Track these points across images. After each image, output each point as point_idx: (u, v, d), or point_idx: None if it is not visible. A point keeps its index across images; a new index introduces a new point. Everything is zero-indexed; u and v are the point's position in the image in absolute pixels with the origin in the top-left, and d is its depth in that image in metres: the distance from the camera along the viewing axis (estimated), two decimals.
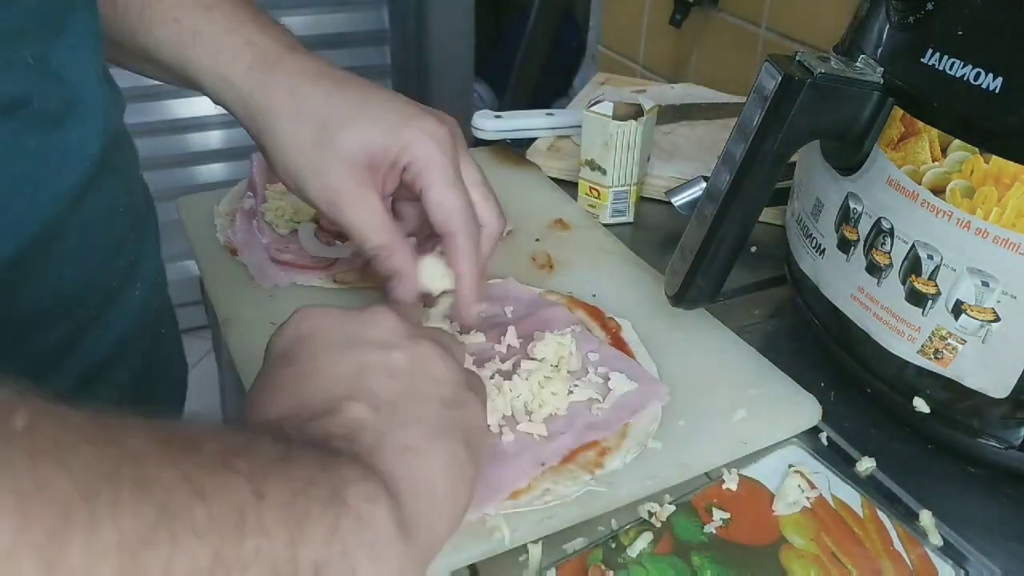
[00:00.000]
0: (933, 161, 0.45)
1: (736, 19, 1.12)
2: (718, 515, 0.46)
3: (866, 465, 0.50)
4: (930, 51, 0.45)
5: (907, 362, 0.49)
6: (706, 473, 0.49)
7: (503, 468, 0.46)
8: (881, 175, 0.48)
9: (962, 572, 0.44)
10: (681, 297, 0.56)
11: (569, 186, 0.78)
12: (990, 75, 0.42)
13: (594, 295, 0.62)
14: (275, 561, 0.25)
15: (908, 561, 0.44)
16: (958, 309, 0.45)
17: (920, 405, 0.49)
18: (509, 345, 0.54)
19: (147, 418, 0.26)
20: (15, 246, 0.41)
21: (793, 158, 0.52)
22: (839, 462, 0.50)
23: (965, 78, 0.43)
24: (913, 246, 0.46)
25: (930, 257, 0.46)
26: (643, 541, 0.44)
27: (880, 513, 0.47)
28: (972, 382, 0.47)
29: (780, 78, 0.47)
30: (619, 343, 0.57)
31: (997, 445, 0.48)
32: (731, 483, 0.48)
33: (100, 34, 0.47)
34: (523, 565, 0.43)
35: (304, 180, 0.49)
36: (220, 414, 0.84)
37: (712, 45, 1.18)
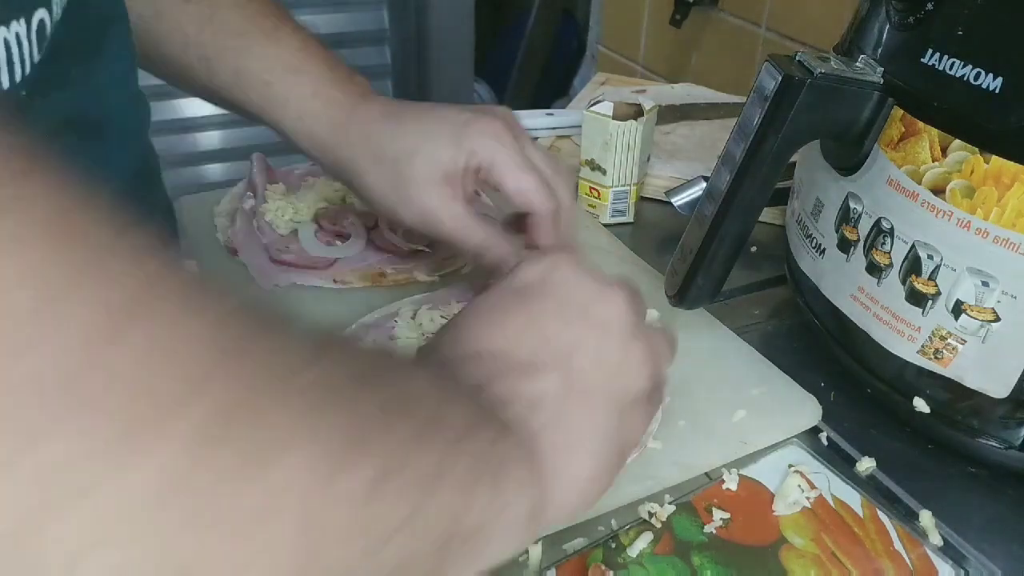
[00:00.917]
0: (933, 161, 0.45)
1: (736, 19, 1.12)
2: (718, 515, 0.46)
3: (866, 465, 0.50)
4: (930, 51, 0.45)
5: (907, 362, 0.49)
6: (706, 473, 0.49)
7: None
8: (881, 175, 0.48)
9: (962, 572, 0.44)
10: (681, 297, 0.56)
11: None
12: (990, 75, 0.42)
13: None
14: (443, 526, 0.26)
15: (908, 561, 0.44)
16: (958, 309, 0.45)
17: (920, 405, 0.49)
18: None
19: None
20: None
21: (793, 158, 0.52)
22: (839, 462, 0.50)
23: (965, 78, 0.43)
24: (913, 246, 0.46)
25: (930, 257, 0.46)
26: (643, 541, 0.44)
27: (880, 513, 0.47)
28: (972, 382, 0.47)
29: (780, 78, 0.47)
30: None
31: (997, 445, 0.48)
32: (731, 483, 0.48)
33: (135, 49, 0.49)
34: (523, 565, 0.43)
35: (397, 212, 0.54)
36: None
37: (712, 45, 1.18)
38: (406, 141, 0.53)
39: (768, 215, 0.71)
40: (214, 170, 1.78)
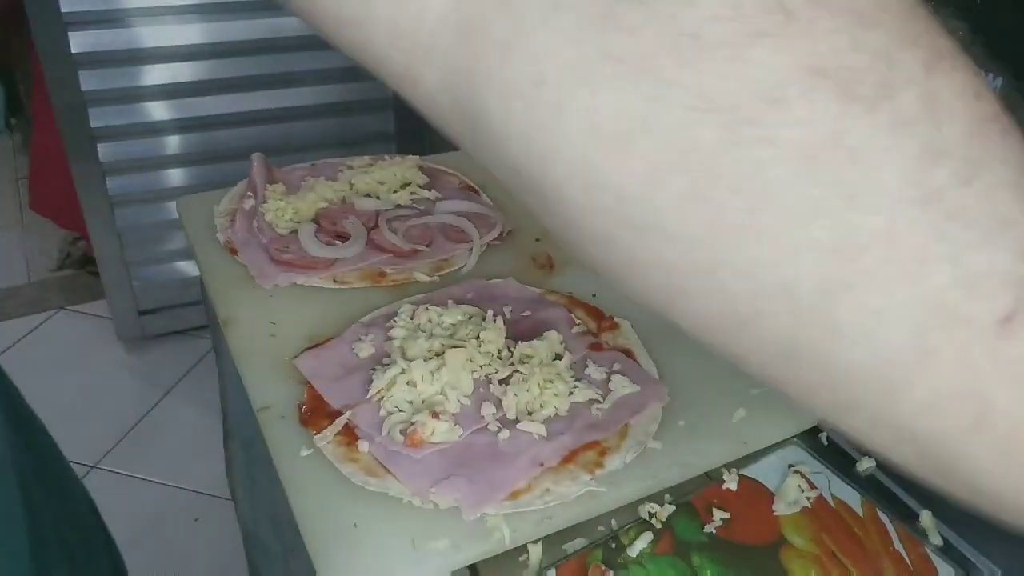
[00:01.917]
0: None
1: None
2: (718, 515, 0.46)
3: (866, 465, 0.50)
4: None
5: None
6: (706, 473, 0.49)
7: (502, 468, 0.46)
8: None
9: (962, 572, 0.44)
10: None
11: None
12: (990, 75, 0.42)
13: (594, 295, 0.62)
14: None
15: (908, 561, 0.44)
16: None
17: None
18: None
19: None
20: None
21: None
22: (839, 462, 0.50)
23: None
24: None
25: None
26: (643, 541, 0.44)
27: (880, 513, 0.47)
28: None
29: None
30: (619, 343, 0.57)
31: None
32: (731, 483, 0.48)
33: None
34: (523, 565, 0.43)
35: None
36: (220, 414, 0.84)
37: None
38: None
39: None
40: (214, 170, 1.78)
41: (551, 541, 0.44)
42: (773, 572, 0.43)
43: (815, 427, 0.52)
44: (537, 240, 0.70)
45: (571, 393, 0.51)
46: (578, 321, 0.58)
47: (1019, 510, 0.20)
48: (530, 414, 0.49)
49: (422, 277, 0.64)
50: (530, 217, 0.71)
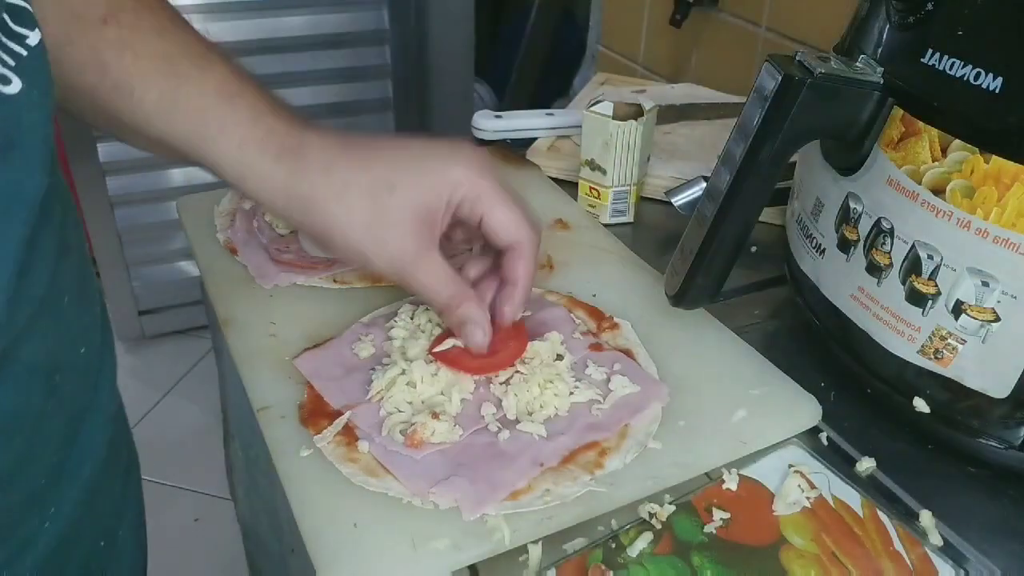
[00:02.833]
0: (933, 161, 0.45)
1: (736, 19, 1.12)
2: (718, 515, 0.46)
3: (866, 465, 0.50)
4: (930, 51, 0.45)
5: (907, 362, 0.49)
6: (706, 473, 0.49)
7: (502, 468, 0.46)
8: (881, 175, 0.48)
9: (962, 572, 0.44)
10: (681, 297, 0.56)
11: (569, 186, 0.78)
12: (990, 75, 0.42)
13: (594, 295, 0.62)
14: None
15: (908, 561, 0.44)
16: (958, 309, 0.45)
17: (920, 405, 0.49)
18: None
19: None
20: None
21: (793, 158, 0.52)
22: (839, 462, 0.50)
23: (965, 78, 0.43)
24: (913, 246, 0.46)
25: (930, 257, 0.46)
26: (643, 541, 0.44)
27: (880, 513, 0.47)
28: (972, 382, 0.47)
29: (780, 78, 0.47)
30: (619, 343, 0.57)
31: (997, 445, 0.48)
32: (731, 483, 0.48)
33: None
34: (523, 565, 0.43)
35: (366, 255, 0.49)
36: (220, 414, 0.84)
37: (712, 45, 1.18)
38: (380, 171, 0.48)
39: (768, 215, 0.71)
40: None
41: (551, 541, 0.44)
42: (773, 572, 0.43)
43: (815, 427, 0.52)
44: None
45: (571, 393, 0.51)
46: (578, 321, 0.58)
47: None
48: (530, 414, 0.49)
49: None
50: None
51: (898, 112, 0.47)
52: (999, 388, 0.46)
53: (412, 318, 0.57)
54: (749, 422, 0.51)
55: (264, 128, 0.48)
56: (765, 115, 0.48)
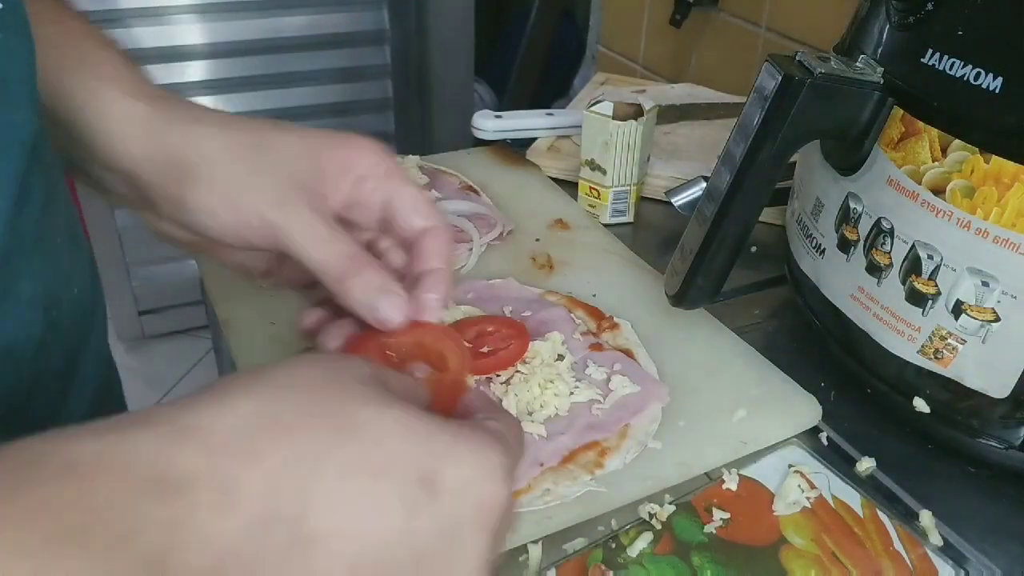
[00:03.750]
0: (933, 161, 0.45)
1: (736, 19, 1.12)
2: (718, 515, 0.46)
3: (866, 465, 0.50)
4: (930, 51, 0.45)
5: (907, 362, 0.49)
6: (706, 473, 0.49)
7: None
8: (881, 175, 0.48)
9: (962, 572, 0.44)
10: (681, 297, 0.56)
11: (569, 186, 0.78)
12: (990, 75, 0.42)
13: (594, 295, 0.62)
14: None
15: (908, 561, 0.44)
16: (958, 309, 0.45)
17: (920, 405, 0.49)
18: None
19: None
20: None
21: (793, 158, 0.52)
22: (839, 462, 0.50)
23: (965, 78, 0.43)
24: (913, 246, 0.46)
25: (930, 257, 0.46)
26: (643, 541, 0.44)
27: (880, 513, 0.47)
28: (972, 382, 0.47)
29: (780, 78, 0.47)
30: (619, 343, 0.57)
31: (997, 445, 0.48)
32: (731, 483, 0.48)
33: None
34: (523, 565, 0.43)
35: (218, 214, 0.41)
36: None
37: (712, 45, 1.18)
38: (258, 131, 0.42)
39: (768, 215, 0.71)
40: None
41: (551, 541, 0.44)
42: (773, 572, 0.43)
43: (815, 427, 0.52)
44: (537, 240, 0.70)
45: (571, 393, 0.51)
46: (578, 321, 0.58)
47: None
48: (530, 414, 0.49)
49: None
50: (530, 217, 0.72)
51: (898, 112, 0.47)
52: (999, 388, 0.46)
53: None
54: (749, 422, 0.51)
55: (131, 73, 0.43)
56: (765, 115, 0.48)
